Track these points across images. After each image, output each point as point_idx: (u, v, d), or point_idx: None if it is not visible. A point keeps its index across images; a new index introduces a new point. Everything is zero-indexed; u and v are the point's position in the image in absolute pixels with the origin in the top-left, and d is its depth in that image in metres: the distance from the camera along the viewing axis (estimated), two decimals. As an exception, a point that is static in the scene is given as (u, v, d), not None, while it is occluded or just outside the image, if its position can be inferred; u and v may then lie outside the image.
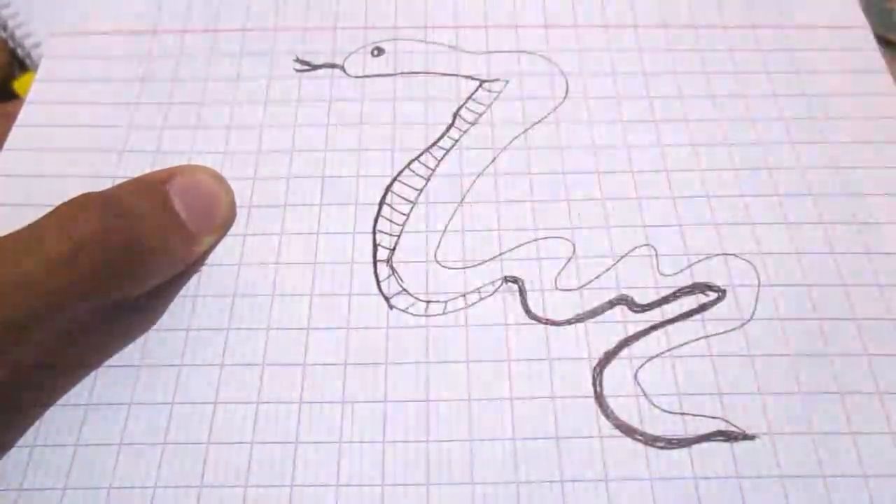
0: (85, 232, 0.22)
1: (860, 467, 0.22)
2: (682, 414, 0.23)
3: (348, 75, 0.31)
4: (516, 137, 0.29)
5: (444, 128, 0.29)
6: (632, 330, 0.25)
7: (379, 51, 0.31)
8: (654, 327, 0.25)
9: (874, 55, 0.31)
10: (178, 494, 0.22)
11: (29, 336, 0.21)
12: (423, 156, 0.29)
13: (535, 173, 0.28)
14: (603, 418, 0.23)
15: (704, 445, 0.23)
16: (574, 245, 0.26)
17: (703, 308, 0.25)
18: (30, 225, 0.22)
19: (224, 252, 0.26)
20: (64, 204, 0.22)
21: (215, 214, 0.26)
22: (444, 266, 0.26)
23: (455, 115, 0.30)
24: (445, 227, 0.27)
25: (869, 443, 0.23)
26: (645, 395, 0.24)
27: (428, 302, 0.25)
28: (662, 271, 0.26)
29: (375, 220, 0.27)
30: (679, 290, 0.25)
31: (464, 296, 0.25)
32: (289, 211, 0.27)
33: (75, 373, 0.24)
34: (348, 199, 0.28)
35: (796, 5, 0.33)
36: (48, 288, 0.21)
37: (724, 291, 0.25)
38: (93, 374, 0.24)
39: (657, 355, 0.24)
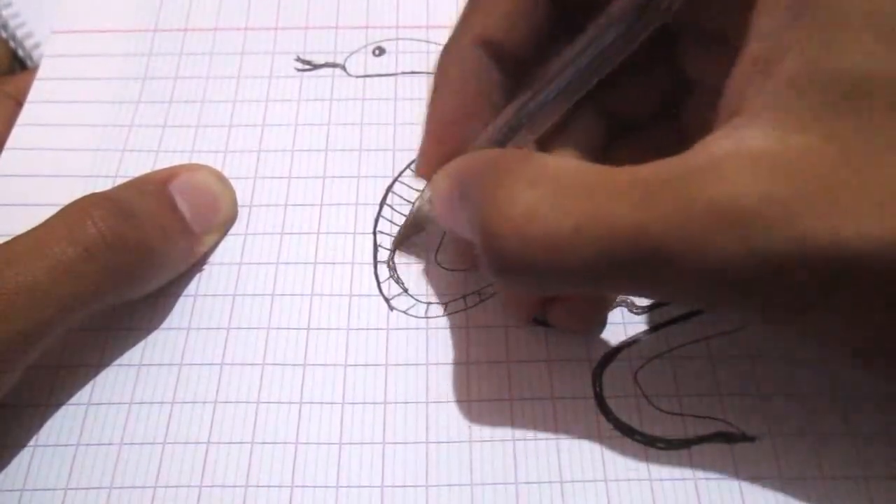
0: (92, 236, 0.22)
1: (859, 469, 0.22)
2: (682, 415, 0.23)
3: (349, 75, 0.31)
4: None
5: (444, 128, 0.29)
6: (631, 331, 0.25)
7: (380, 50, 0.31)
8: (653, 328, 0.25)
9: None
10: (179, 494, 0.22)
11: (38, 342, 0.21)
12: (424, 156, 0.29)
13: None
14: (603, 419, 0.23)
15: (704, 446, 0.23)
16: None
17: (702, 309, 0.25)
18: (36, 228, 0.22)
19: (224, 252, 0.26)
20: (70, 206, 0.22)
21: (217, 214, 0.26)
22: (444, 268, 0.26)
23: (456, 115, 0.30)
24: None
25: (868, 444, 0.23)
26: (645, 395, 0.24)
27: (428, 303, 0.25)
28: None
29: (376, 221, 0.27)
30: (679, 291, 0.25)
31: (464, 297, 0.25)
32: (289, 211, 0.27)
33: (79, 372, 0.24)
34: (348, 199, 0.28)
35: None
36: (58, 295, 0.21)
37: (724, 292, 0.25)
38: (93, 374, 0.24)
39: (657, 356, 0.24)
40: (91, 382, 0.24)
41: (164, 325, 0.25)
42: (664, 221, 0.16)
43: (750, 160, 0.16)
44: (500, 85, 0.23)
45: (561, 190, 0.17)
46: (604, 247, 0.17)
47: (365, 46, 0.32)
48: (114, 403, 0.23)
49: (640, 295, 0.18)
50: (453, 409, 0.23)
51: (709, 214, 0.16)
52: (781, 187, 0.15)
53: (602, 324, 0.25)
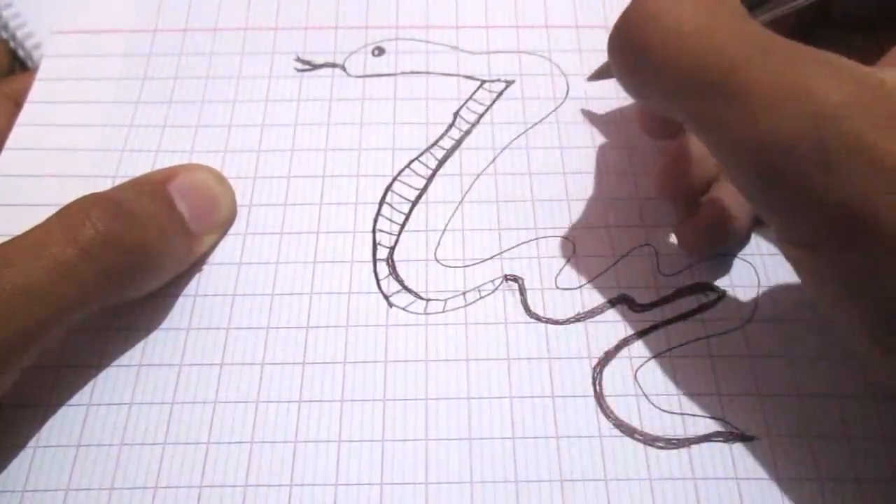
0: (91, 236, 0.22)
1: (857, 470, 0.22)
2: (682, 414, 0.23)
3: (349, 75, 0.31)
4: (516, 137, 0.29)
5: (444, 128, 0.29)
6: (632, 330, 0.25)
7: (380, 50, 0.31)
8: (653, 327, 0.25)
9: None
10: (179, 494, 0.22)
11: (37, 343, 0.21)
12: (424, 155, 0.29)
13: (535, 173, 0.28)
14: (602, 418, 0.23)
15: (703, 446, 0.23)
16: (574, 245, 0.26)
17: (702, 308, 0.25)
18: (35, 228, 0.22)
19: (223, 252, 0.26)
20: (68, 206, 0.22)
21: (216, 214, 0.26)
22: (443, 265, 0.26)
23: (455, 115, 0.30)
24: (445, 227, 0.27)
25: (866, 445, 0.23)
26: (644, 395, 0.24)
27: (427, 300, 0.25)
28: (662, 271, 0.26)
29: (375, 220, 0.27)
30: (679, 290, 0.25)
31: (463, 294, 0.25)
32: (288, 210, 0.27)
33: (79, 372, 0.24)
34: (348, 198, 0.28)
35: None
36: (56, 295, 0.21)
37: (723, 292, 0.25)
38: (93, 374, 0.24)
39: (657, 355, 0.24)
40: (91, 382, 0.24)
41: (164, 325, 0.25)
42: (762, 70, 0.18)
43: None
44: None
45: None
46: (697, 59, 0.18)
47: (364, 46, 0.32)
48: (114, 404, 0.23)
49: (687, 120, 0.20)
50: (452, 407, 0.23)
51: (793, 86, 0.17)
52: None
53: (738, 241, 0.26)
